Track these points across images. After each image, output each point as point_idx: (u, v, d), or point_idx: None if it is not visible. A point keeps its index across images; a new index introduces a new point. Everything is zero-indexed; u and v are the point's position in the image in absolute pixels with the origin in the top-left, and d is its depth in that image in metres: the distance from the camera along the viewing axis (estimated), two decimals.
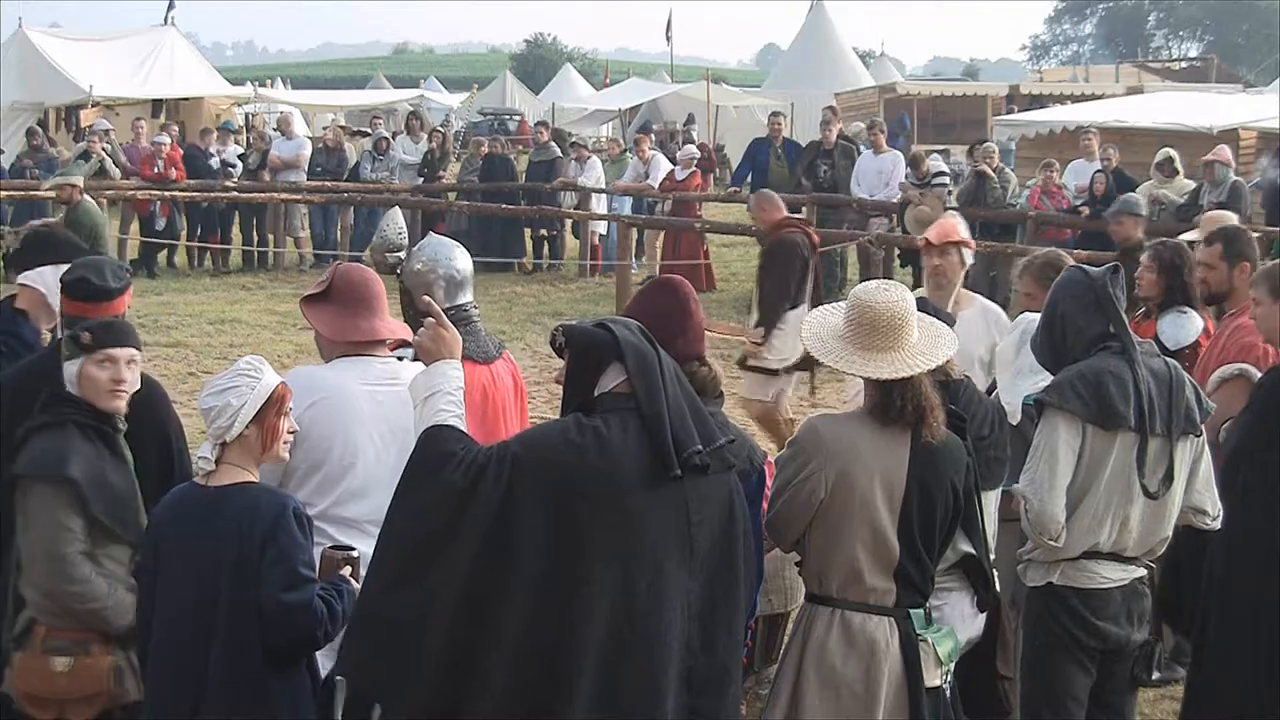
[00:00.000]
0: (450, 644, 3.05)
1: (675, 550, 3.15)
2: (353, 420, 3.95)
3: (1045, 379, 4.55)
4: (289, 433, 3.65)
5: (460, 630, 3.05)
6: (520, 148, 29.16)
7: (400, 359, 4.15)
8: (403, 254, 4.62)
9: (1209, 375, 5.09)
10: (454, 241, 4.70)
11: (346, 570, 3.61)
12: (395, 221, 4.73)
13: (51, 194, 11.42)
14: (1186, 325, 5.79)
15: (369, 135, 19.44)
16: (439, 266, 4.49)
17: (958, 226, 6.13)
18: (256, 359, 3.65)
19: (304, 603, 3.41)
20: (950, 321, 4.25)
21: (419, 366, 4.11)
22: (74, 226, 9.51)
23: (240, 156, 18.14)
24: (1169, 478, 4.13)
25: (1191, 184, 13.47)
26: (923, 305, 4.01)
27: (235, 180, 17.43)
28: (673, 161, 17.56)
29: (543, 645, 3.04)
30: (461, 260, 4.54)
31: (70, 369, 3.89)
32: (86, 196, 11.96)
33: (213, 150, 17.81)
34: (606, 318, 3.38)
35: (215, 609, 3.41)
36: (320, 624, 3.44)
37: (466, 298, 4.53)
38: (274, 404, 3.56)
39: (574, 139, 20.69)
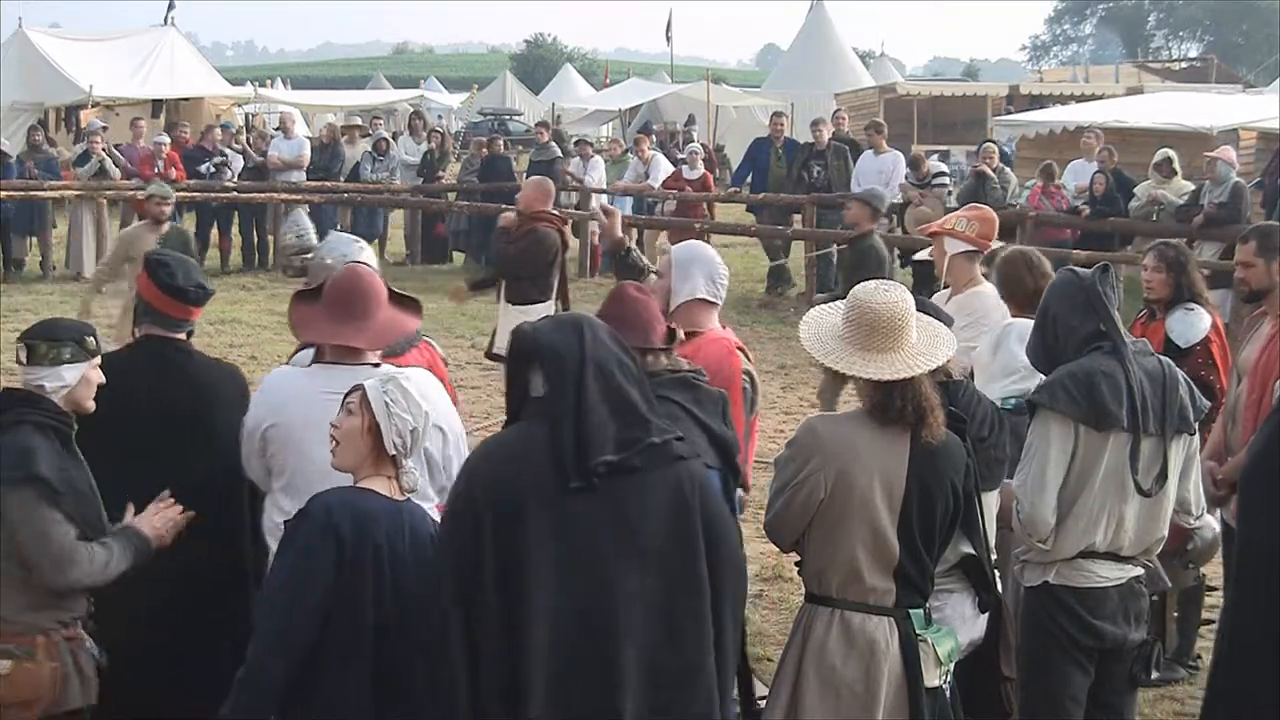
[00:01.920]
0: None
1: (616, 549, 3.15)
2: (312, 437, 3.90)
3: (1019, 382, 4.56)
4: None
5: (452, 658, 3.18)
6: (520, 148, 29.16)
7: (377, 365, 4.14)
8: (310, 255, 4.72)
9: (1273, 379, 5.05)
10: (355, 238, 4.92)
11: None
12: (297, 224, 4.85)
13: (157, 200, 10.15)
14: (1195, 322, 5.79)
15: (369, 135, 19.43)
16: (346, 264, 4.57)
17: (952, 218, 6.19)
18: (400, 377, 3.64)
19: None
20: (949, 322, 4.25)
21: (394, 371, 4.14)
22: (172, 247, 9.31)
23: (241, 155, 18.11)
24: (1163, 476, 4.13)
25: (1190, 185, 13.47)
26: (922, 306, 4.01)
27: (235, 180, 17.42)
28: (673, 162, 17.55)
29: (496, 655, 3.10)
30: (366, 256, 4.76)
31: (72, 373, 3.88)
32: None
33: (219, 149, 17.76)
34: (555, 315, 3.43)
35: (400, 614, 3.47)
36: None
37: None
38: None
39: (578, 137, 20.71)
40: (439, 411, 4.08)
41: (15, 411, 3.83)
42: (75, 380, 3.88)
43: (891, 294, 3.78)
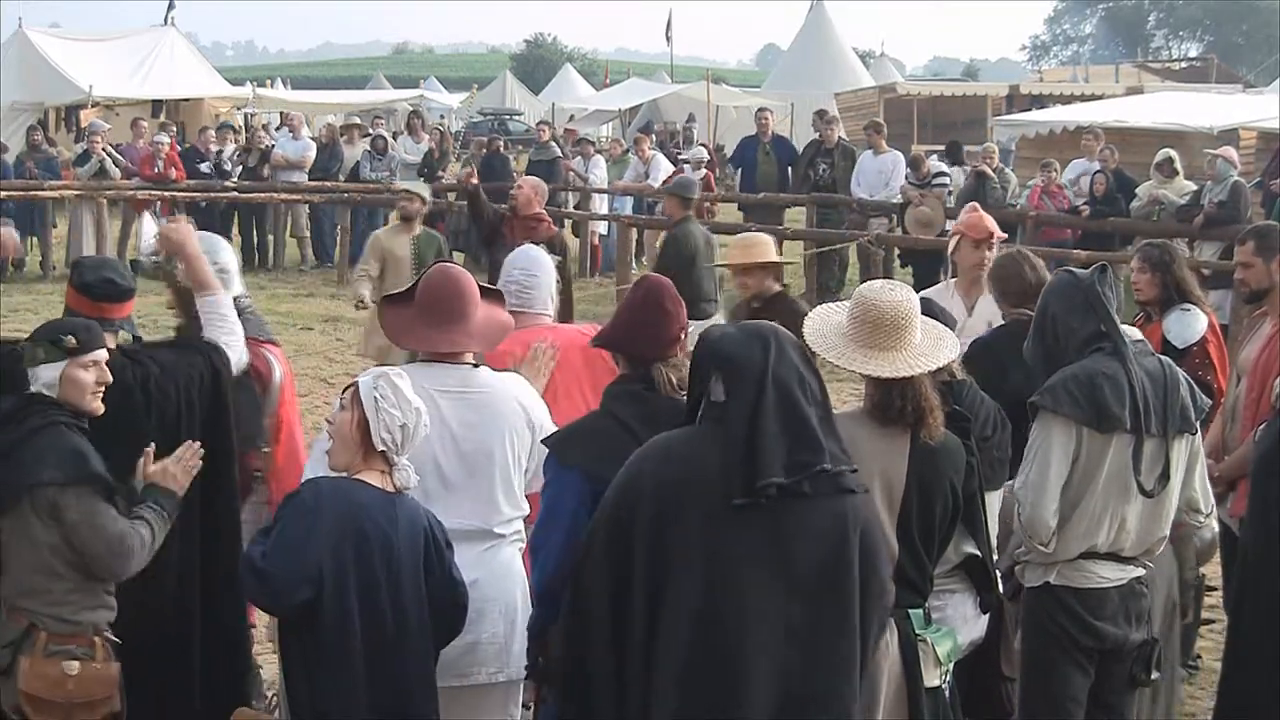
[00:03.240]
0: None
1: (765, 569, 3.06)
2: (433, 437, 3.94)
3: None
4: None
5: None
6: (520, 147, 29.17)
7: (476, 366, 4.15)
8: (159, 257, 4.81)
9: (1272, 378, 5.05)
10: (218, 236, 5.10)
11: None
12: (147, 229, 4.98)
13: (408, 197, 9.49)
14: (1192, 323, 5.77)
15: (369, 135, 19.44)
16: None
17: (990, 221, 6.22)
18: (392, 373, 3.73)
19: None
20: (951, 324, 4.25)
21: (489, 373, 4.17)
22: (423, 252, 8.99)
23: (241, 153, 18.10)
24: (1165, 477, 4.13)
25: (1191, 185, 13.47)
26: (926, 307, 4.01)
27: (235, 180, 17.42)
28: (673, 162, 17.54)
29: (630, 654, 3.10)
30: (226, 254, 4.94)
31: (49, 373, 3.86)
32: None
33: (215, 148, 17.77)
34: (745, 323, 3.35)
35: (411, 604, 3.64)
36: None
37: (237, 289, 4.89)
38: None
39: (580, 136, 20.70)
40: (533, 413, 4.16)
41: (43, 414, 3.83)
42: (53, 379, 3.86)
43: (897, 293, 3.77)
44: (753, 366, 3.11)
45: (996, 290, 5.43)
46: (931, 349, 3.74)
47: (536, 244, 7.44)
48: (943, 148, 17.79)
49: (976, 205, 6.96)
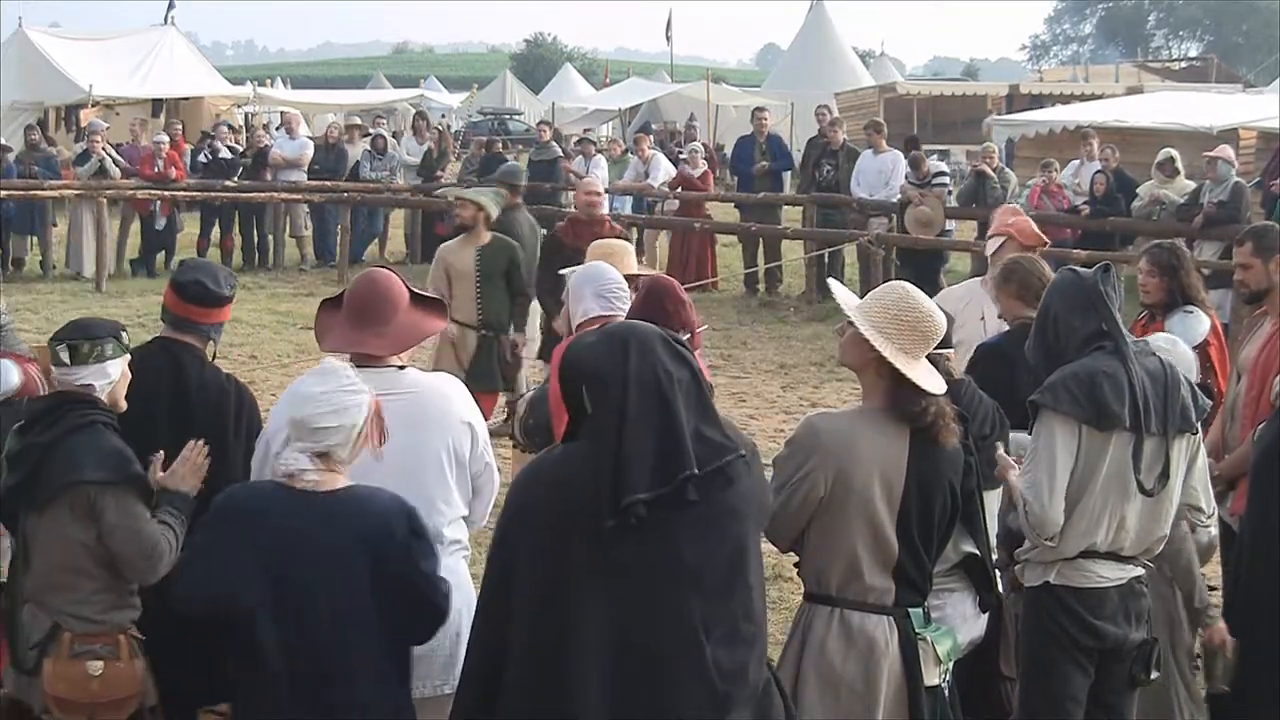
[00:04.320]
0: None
1: (667, 581, 2.98)
2: None
3: None
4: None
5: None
6: (520, 147, 29.17)
7: (402, 368, 4.13)
8: None
9: (1272, 376, 5.05)
10: None
11: None
12: None
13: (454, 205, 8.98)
14: (1194, 325, 5.77)
15: (369, 135, 19.44)
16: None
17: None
18: (337, 367, 3.58)
19: (449, 591, 3.59)
20: (950, 320, 4.27)
21: (418, 374, 4.13)
22: (491, 262, 8.45)
23: (240, 155, 18.09)
24: (1165, 476, 4.13)
25: (1188, 184, 13.47)
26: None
27: (235, 180, 17.42)
28: (673, 161, 17.53)
29: (542, 678, 2.99)
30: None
31: (115, 368, 3.93)
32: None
33: (220, 147, 17.77)
34: (604, 329, 3.25)
35: (362, 607, 3.42)
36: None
37: None
38: (375, 414, 3.56)
39: (582, 135, 20.70)
40: (467, 415, 4.12)
41: (80, 413, 3.85)
42: (119, 376, 3.93)
43: (936, 306, 3.82)
44: (614, 374, 2.98)
45: (1015, 292, 5.38)
46: (930, 366, 3.79)
47: None
48: (943, 148, 17.81)
49: (1019, 209, 6.93)
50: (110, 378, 3.91)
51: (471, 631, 3.24)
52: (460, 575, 4.12)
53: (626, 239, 8.70)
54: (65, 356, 3.89)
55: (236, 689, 3.52)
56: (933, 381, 3.70)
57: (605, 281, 4.88)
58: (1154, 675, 4.28)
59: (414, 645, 3.61)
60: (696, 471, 2.96)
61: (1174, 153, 13.80)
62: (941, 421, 3.68)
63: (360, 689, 3.43)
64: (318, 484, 3.45)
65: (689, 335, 3.86)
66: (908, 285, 3.87)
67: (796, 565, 3.90)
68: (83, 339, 3.90)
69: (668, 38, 39.80)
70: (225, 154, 17.57)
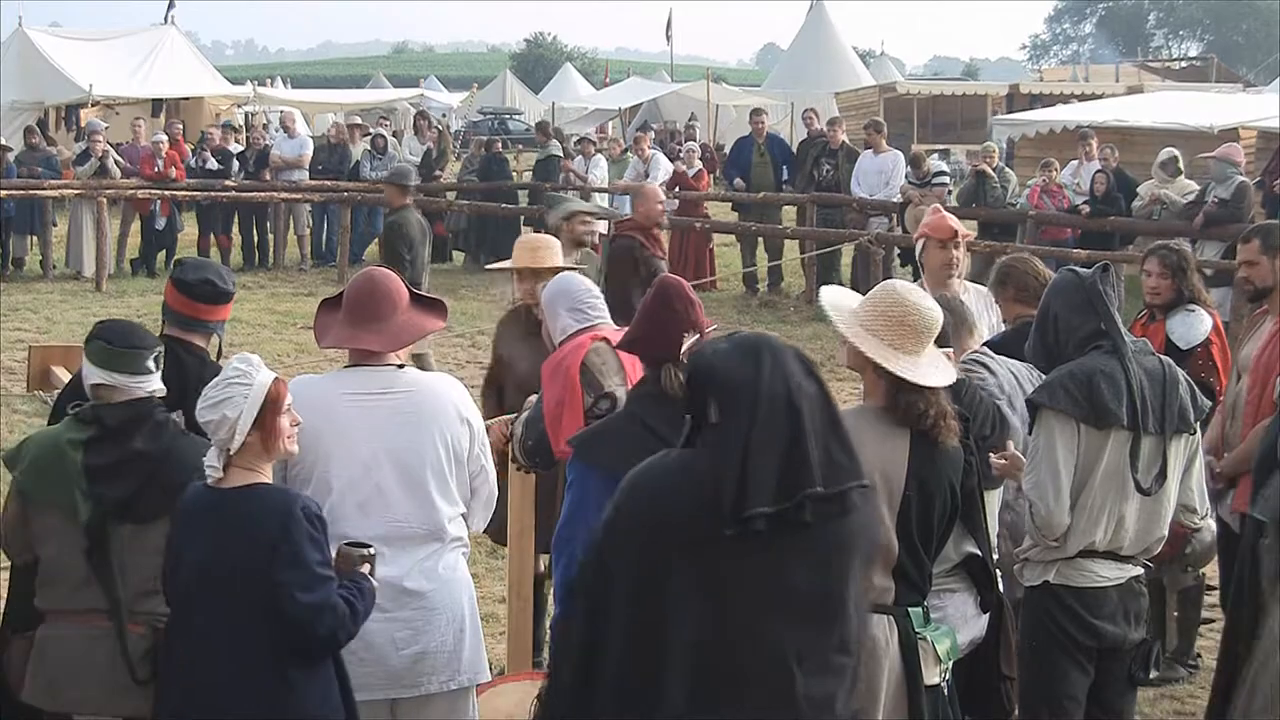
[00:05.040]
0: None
1: (764, 600, 2.92)
2: (334, 441, 3.92)
3: None
4: (292, 426, 3.58)
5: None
6: (520, 147, 29.17)
7: (401, 366, 4.13)
8: None
9: (1274, 375, 5.04)
10: None
11: (365, 568, 3.58)
12: None
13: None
14: (1196, 324, 5.78)
15: (370, 134, 19.44)
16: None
17: (952, 219, 6.19)
18: (244, 359, 3.56)
19: (324, 602, 3.39)
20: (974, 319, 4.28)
21: (417, 373, 4.13)
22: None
23: (239, 155, 18.09)
24: (1163, 475, 4.13)
25: (1193, 184, 13.47)
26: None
27: (235, 180, 17.42)
28: (674, 161, 17.54)
29: (635, 694, 2.93)
30: None
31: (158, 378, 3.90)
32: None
33: (208, 158, 17.73)
34: (737, 336, 3.17)
35: (233, 613, 3.37)
36: (342, 624, 3.42)
37: None
38: (271, 405, 3.48)
39: (579, 136, 20.70)
40: (466, 412, 4.12)
41: (171, 421, 3.84)
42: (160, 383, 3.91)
43: (928, 299, 3.80)
44: (746, 384, 2.93)
45: (1011, 291, 5.40)
46: (939, 358, 3.76)
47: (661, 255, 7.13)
48: (943, 148, 17.82)
49: (939, 207, 6.90)
50: (156, 384, 3.88)
51: (569, 617, 3.18)
52: (460, 571, 4.13)
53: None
54: (151, 364, 3.84)
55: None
56: (936, 375, 3.67)
57: (576, 294, 4.75)
58: (1154, 675, 4.28)
59: (305, 655, 3.45)
60: (821, 489, 2.90)
61: (1176, 152, 13.80)
62: (942, 422, 3.67)
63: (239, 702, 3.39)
64: (219, 481, 3.46)
65: (698, 336, 3.85)
66: (897, 283, 3.86)
67: None
68: (149, 347, 3.86)
69: (668, 37, 39.86)
70: (213, 165, 17.52)
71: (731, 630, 2.89)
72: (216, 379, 3.52)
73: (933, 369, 3.70)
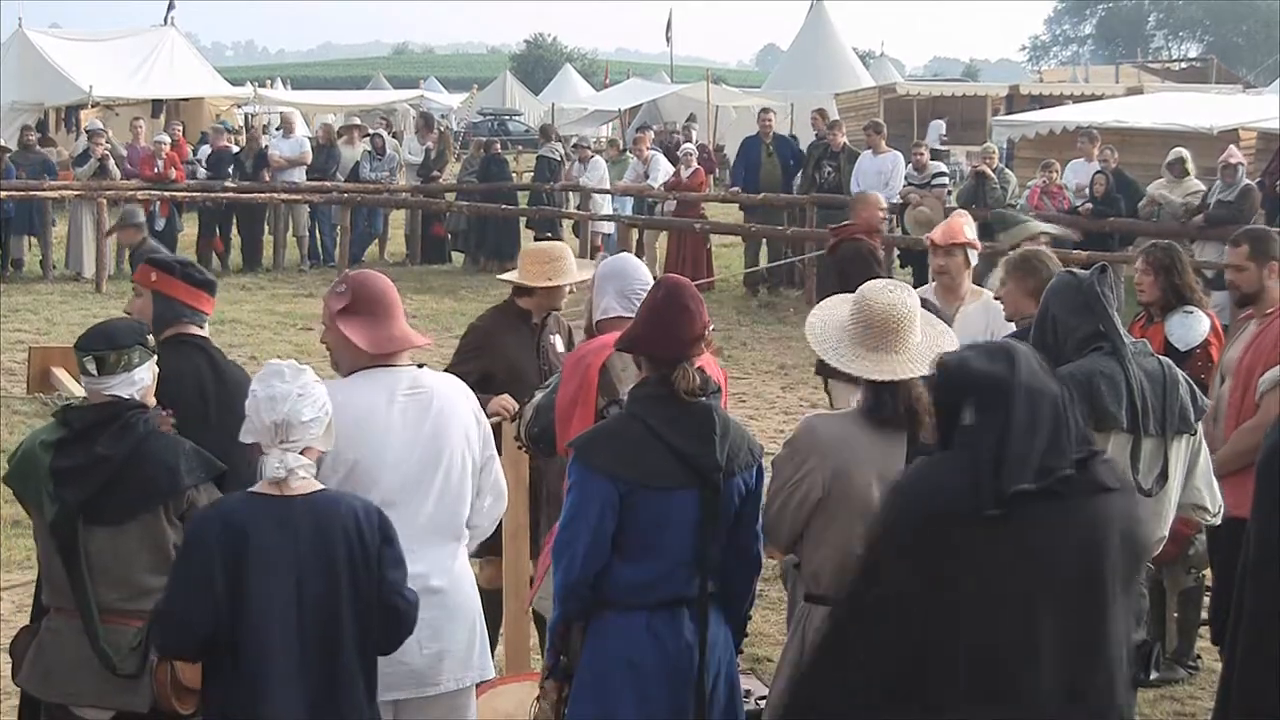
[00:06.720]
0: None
1: (1027, 583, 3.01)
2: (376, 442, 3.89)
3: None
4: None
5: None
6: (520, 148, 29.17)
7: (421, 365, 4.11)
8: None
9: (1256, 378, 5.04)
10: None
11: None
12: None
13: None
14: (1194, 326, 5.76)
15: (369, 135, 19.45)
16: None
17: (964, 227, 6.13)
18: (292, 364, 3.53)
19: (417, 599, 3.57)
20: (947, 322, 4.24)
21: (430, 372, 4.11)
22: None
23: (235, 157, 18.09)
24: (1164, 476, 4.12)
25: (1198, 184, 13.45)
26: (924, 307, 3.99)
27: (234, 180, 17.42)
28: (674, 161, 17.55)
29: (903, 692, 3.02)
30: None
31: (146, 374, 3.84)
32: None
33: (198, 169, 17.74)
34: (981, 344, 3.33)
35: (327, 614, 3.40)
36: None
37: None
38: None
39: (575, 139, 20.71)
40: (477, 412, 4.12)
41: (143, 420, 3.78)
42: (150, 380, 3.84)
43: (895, 294, 3.76)
44: (1004, 383, 3.08)
45: (1029, 286, 5.34)
46: (929, 351, 3.73)
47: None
48: (943, 148, 17.80)
49: (962, 211, 6.88)
50: (139, 384, 3.79)
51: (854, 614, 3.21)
52: (467, 568, 4.14)
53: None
54: (92, 368, 3.76)
55: (209, 691, 3.49)
56: (911, 366, 3.65)
57: (631, 282, 4.62)
58: (1154, 675, 4.28)
59: (381, 653, 3.57)
60: (1072, 472, 3.04)
61: (1185, 153, 13.78)
62: (913, 415, 3.64)
63: (338, 695, 3.42)
64: (306, 484, 3.44)
65: (707, 330, 3.84)
66: (870, 284, 3.84)
67: (796, 566, 3.89)
68: (108, 349, 3.77)
69: (668, 38, 39.81)
70: (203, 174, 17.52)
71: (981, 620, 2.98)
72: (297, 383, 3.44)
73: (912, 360, 3.67)
